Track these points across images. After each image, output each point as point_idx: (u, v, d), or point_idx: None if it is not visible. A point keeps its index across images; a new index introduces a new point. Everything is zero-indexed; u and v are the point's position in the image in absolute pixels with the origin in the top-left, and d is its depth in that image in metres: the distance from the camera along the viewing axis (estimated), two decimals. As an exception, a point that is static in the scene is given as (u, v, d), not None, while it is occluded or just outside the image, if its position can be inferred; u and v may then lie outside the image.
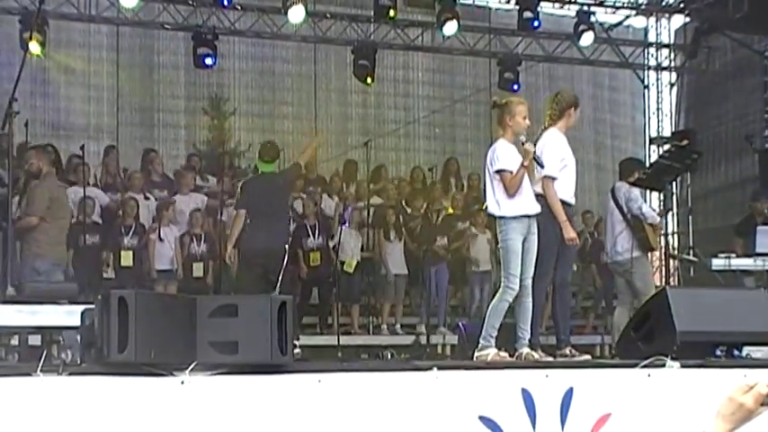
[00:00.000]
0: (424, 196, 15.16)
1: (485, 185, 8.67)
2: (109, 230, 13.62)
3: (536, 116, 9.07)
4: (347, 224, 13.93)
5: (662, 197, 12.77)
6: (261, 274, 10.65)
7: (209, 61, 16.40)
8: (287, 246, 10.97)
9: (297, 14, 16.01)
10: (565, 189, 8.70)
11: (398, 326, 14.48)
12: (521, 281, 8.23)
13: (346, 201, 14.96)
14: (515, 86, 17.56)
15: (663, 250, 12.35)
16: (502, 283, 8.27)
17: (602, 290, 15.07)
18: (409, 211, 15.11)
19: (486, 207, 8.56)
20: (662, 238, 11.64)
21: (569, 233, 8.52)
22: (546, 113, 9.06)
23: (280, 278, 10.42)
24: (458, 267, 14.74)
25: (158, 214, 13.77)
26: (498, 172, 8.23)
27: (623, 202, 10.77)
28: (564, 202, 8.67)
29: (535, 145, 8.49)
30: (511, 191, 8.20)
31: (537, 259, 8.38)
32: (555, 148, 8.70)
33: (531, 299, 8.29)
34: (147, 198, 14.18)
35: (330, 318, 14.12)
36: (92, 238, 13.20)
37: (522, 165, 8.18)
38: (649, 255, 11.08)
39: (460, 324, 12.24)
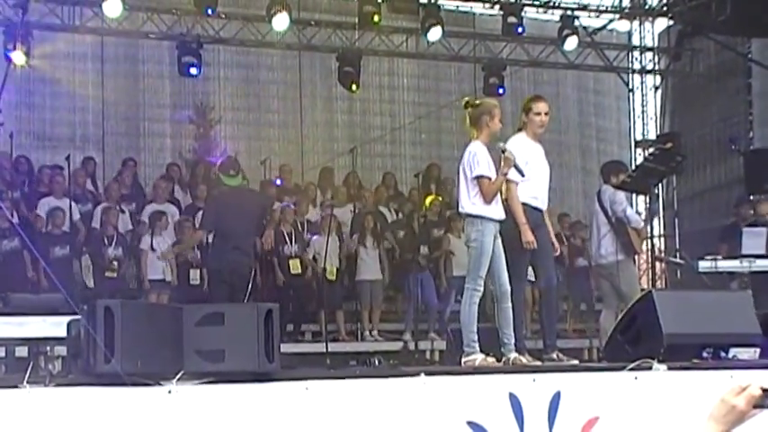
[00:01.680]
0: (401, 202, 15.16)
1: (458, 187, 8.63)
2: (87, 241, 13.56)
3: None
4: (319, 235, 13.90)
5: (647, 200, 12.83)
6: (228, 293, 10.60)
7: (193, 71, 16.39)
8: (252, 266, 11.00)
9: (281, 22, 16.02)
10: (529, 192, 8.68)
11: (375, 332, 14.43)
12: (499, 286, 8.24)
13: (324, 207, 14.95)
14: (500, 90, 17.59)
15: (649, 253, 12.39)
16: (467, 285, 8.26)
17: (579, 294, 15.09)
18: (390, 217, 15.14)
19: (462, 208, 8.50)
20: (648, 240, 11.65)
21: (526, 236, 8.47)
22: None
23: (247, 295, 10.45)
24: (438, 274, 14.73)
25: (151, 224, 13.73)
26: (477, 178, 8.22)
27: (608, 205, 10.79)
28: (530, 206, 8.66)
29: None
30: (488, 197, 8.18)
31: (510, 263, 8.38)
32: (517, 152, 8.59)
33: (510, 304, 8.28)
34: (122, 211, 14.15)
35: (304, 326, 14.13)
36: (62, 249, 13.18)
37: (501, 173, 8.17)
38: (636, 258, 11.10)
39: (449, 330, 12.22)
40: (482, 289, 8.21)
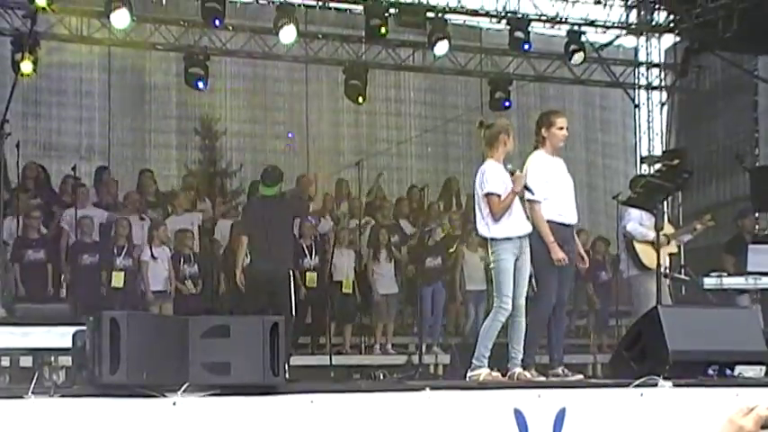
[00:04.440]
0: (423, 216, 15.14)
1: (474, 206, 8.64)
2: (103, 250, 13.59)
3: (528, 136, 9.10)
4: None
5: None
6: (267, 301, 10.65)
7: (200, 85, 16.41)
8: (291, 270, 11.04)
9: (288, 35, 16.04)
10: (554, 209, 8.66)
11: (389, 345, 14.43)
12: (513, 300, 8.23)
13: (339, 220, 14.93)
14: (507, 105, 17.60)
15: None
16: (494, 304, 8.27)
17: (601, 309, 15.04)
18: (410, 230, 15.11)
19: (478, 230, 8.53)
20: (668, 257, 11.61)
21: (556, 254, 8.45)
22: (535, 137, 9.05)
23: (293, 303, 10.52)
24: (451, 287, 14.69)
25: (149, 234, 13.70)
26: (487, 195, 8.24)
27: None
28: (556, 223, 8.64)
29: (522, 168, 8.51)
30: (497, 215, 8.20)
31: (537, 281, 8.38)
32: (537, 171, 8.63)
33: (524, 319, 8.28)
34: (142, 219, 14.13)
35: (322, 338, 14.08)
36: (90, 257, 13.21)
37: (513, 191, 8.19)
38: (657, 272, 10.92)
39: (453, 344, 12.24)
40: (509, 308, 8.18)
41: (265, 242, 10.85)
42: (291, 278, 10.95)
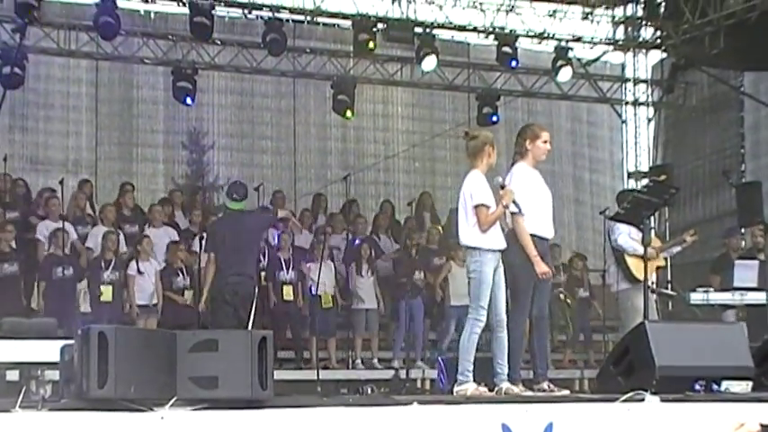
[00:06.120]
0: (398, 230, 15.15)
1: (458, 214, 8.58)
2: (81, 264, 13.51)
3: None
4: (312, 262, 13.86)
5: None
6: (232, 313, 10.70)
7: (188, 99, 16.40)
8: (255, 287, 11.05)
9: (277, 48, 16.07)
10: (536, 223, 8.60)
11: (375, 360, 14.41)
12: (495, 315, 8.24)
13: (318, 234, 14.92)
14: (494, 119, 17.65)
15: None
16: (470, 315, 8.26)
17: (579, 324, 15.08)
18: (391, 245, 15.12)
19: (461, 238, 8.48)
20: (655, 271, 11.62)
21: (540, 268, 8.43)
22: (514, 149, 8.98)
23: (251, 318, 10.48)
24: (434, 301, 14.69)
25: (135, 248, 13.65)
26: (477, 206, 8.23)
27: (609, 235, 10.96)
28: (537, 236, 8.58)
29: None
30: (485, 226, 8.19)
31: (512, 294, 8.38)
32: (521, 184, 8.52)
33: (506, 333, 8.27)
34: (118, 234, 14.09)
35: (306, 352, 14.07)
36: (66, 270, 13.07)
37: (502, 205, 8.20)
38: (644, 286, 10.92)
39: (440, 359, 12.20)
40: (484, 319, 8.18)
41: (231, 257, 10.89)
42: (255, 294, 10.99)
